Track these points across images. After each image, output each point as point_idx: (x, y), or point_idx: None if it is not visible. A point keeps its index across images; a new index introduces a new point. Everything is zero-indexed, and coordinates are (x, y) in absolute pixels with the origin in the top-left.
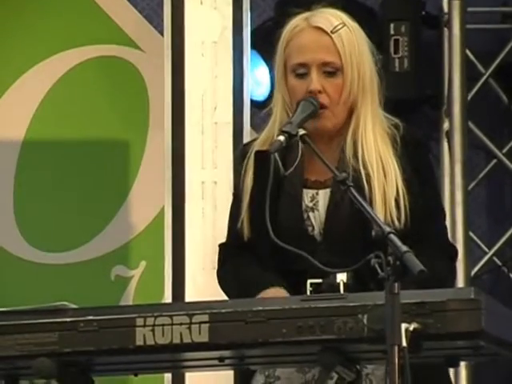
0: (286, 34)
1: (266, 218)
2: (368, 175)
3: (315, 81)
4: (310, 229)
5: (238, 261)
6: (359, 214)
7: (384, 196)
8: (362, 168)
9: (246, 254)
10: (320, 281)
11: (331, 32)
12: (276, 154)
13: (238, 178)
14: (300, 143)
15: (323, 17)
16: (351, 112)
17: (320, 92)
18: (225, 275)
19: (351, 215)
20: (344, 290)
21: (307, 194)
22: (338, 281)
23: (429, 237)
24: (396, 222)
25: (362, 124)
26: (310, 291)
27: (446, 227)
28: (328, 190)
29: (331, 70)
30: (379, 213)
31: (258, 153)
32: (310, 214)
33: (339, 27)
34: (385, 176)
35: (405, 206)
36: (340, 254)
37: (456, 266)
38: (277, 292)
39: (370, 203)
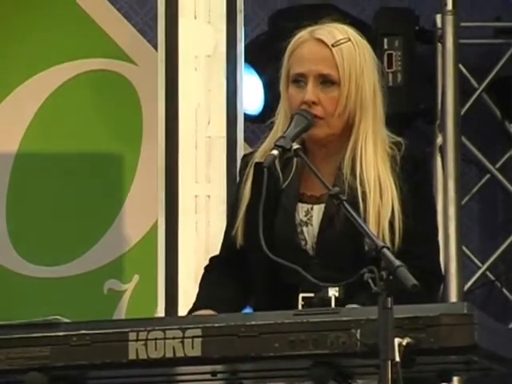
0: (291, 45)
1: (260, 232)
2: (364, 194)
3: (310, 92)
4: (303, 243)
5: (213, 276)
6: (352, 230)
7: (378, 218)
8: (358, 185)
9: (228, 269)
10: (312, 295)
11: (332, 45)
12: (277, 166)
13: (238, 187)
14: (295, 158)
15: (328, 30)
16: (350, 128)
17: (314, 103)
18: (200, 284)
19: (344, 231)
20: (335, 305)
21: (302, 208)
22: (329, 295)
23: (417, 260)
24: (389, 245)
25: (361, 141)
26: (302, 305)
27: (437, 250)
28: (322, 206)
29: (328, 83)
30: None
31: (257, 164)
32: (304, 228)
33: (342, 41)
34: (381, 197)
35: (399, 228)
36: (333, 268)
37: (434, 292)
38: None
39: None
